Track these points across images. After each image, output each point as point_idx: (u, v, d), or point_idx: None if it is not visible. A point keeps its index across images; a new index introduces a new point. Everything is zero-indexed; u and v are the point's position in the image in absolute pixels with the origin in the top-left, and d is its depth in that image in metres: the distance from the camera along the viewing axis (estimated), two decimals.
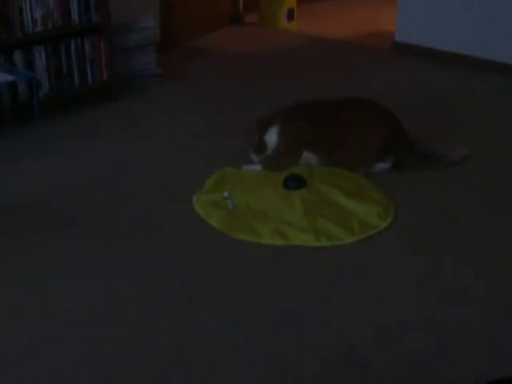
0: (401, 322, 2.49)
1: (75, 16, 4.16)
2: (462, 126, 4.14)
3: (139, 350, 2.35)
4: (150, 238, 3.02)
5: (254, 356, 2.33)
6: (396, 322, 2.50)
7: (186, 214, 3.18)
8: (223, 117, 4.22)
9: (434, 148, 3.70)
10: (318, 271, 2.81)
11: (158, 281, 2.73)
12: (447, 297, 2.64)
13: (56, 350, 2.35)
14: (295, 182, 3.31)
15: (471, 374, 2.26)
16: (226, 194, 3.24)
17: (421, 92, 4.71)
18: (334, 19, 6.59)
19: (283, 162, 3.49)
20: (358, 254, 2.91)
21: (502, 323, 2.50)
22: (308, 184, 3.32)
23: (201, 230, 3.07)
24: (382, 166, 3.51)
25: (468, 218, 3.20)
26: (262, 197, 3.26)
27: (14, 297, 2.63)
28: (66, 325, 2.47)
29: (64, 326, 2.47)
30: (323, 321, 2.51)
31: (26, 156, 3.75)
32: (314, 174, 3.43)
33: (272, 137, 3.47)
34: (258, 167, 3.52)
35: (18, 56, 3.99)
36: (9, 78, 3.82)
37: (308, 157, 3.48)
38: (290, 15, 6.37)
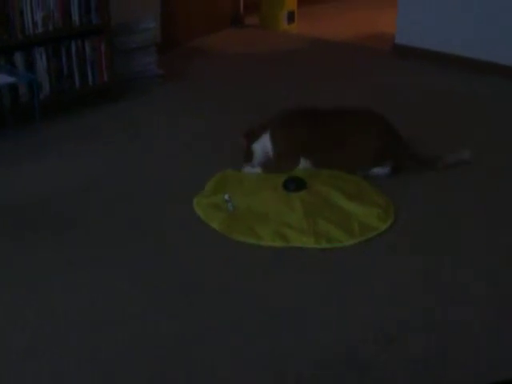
0: (401, 324, 2.50)
1: (76, 17, 4.17)
2: (462, 128, 4.14)
3: (139, 350, 2.35)
4: (150, 239, 3.02)
5: (254, 357, 2.33)
6: (396, 323, 2.50)
7: (186, 216, 3.18)
8: (223, 118, 4.22)
9: (433, 151, 3.70)
10: (318, 273, 2.81)
11: (158, 281, 2.73)
12: (447, 297, 2.64)
13: (56, 350, 2.35)
14: (295, 184, 3.32)
15: (471, 374, 2.26)
16: (226, 196, 3.24)
17: (421, 94, 4.71)
18: (334, 21, 6.60)
19: (282, 166, 3.50)
20: (358, 255, 2.91)
21: (501, 323, 2.50)
22: (308, 186, 3.32)
23: (201, 231, 3.07)
24: (380, 171, 3.51)
25: (468, 218, 3.20)
26: (262, 199, 3.26)
27: (13, 297, 2.63)
28: (66, 325, 2.47)
29: (64, 326, 2.47)
30: (323, 322, 2.51)
31: (26, 157, 3.75)
32: (314, 176, 3.43)
33: (264, 143, 3.49)
34: (258, 170, 3.53)
35: (18, 58, 3.99)
36: (9, 79, 3.82)
37: (303, 163, 3.50)
38: (291, 17, 6.38)
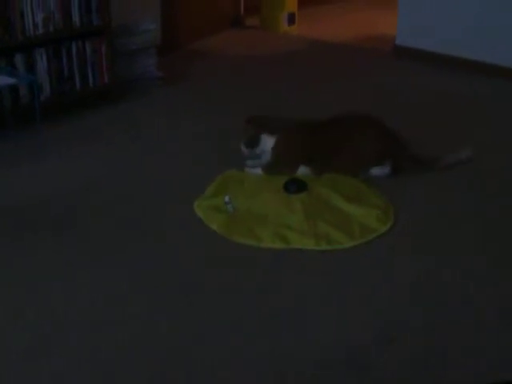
0: (401, 324, 2.49)
1: (76, 19, 4.17)
2: (462, 129, 4.14)
3: (139, 350, 2.35)
4: (150, 239, 3.02)
5: (254, 357, 2.33)
6: (396, 324, 2.50)
7: (186, 216, 3.18)
8: (224, 119, 4.22)
9: (433, 151, 3.70)
10: (318, 274, 2.81)
11: (158, 281, 2.73)
12: (447, 298, 2.64)
13: (56, 350, 2.35)
14: (296, 186, 3.32)
15: (471, 374, 2.26)
16: (227, 198, 3.24)
17: (421, 95, 4.71)
18: (334, 23, 6.60)
19: (282, 169, 3.51)
20: (358, 257, 2.91)
21: (501, 323, 2.50)
22: (309, 188, 3.32)
23: (201, 232, 3.07)
24: (380, 171, 3.52)
25: (468, 219, 3.20)
26: (262, 200, 3.26)
27: (14, 297, 2.63)
28: (66, 325, 2.47)
29: (64, 326, 2.47)
30: (323, 322, 2.51)
31: (26, 159, 3.75)
32: (314, 178, 3.44)
33: (268, 143, 3.49)
34: (259, 171, 3.53)
35: (19, 59, 3.99)
36: (10, 81, 3.82)
37: (303, 170, 3.50)
38: (291, 19, 6.38)
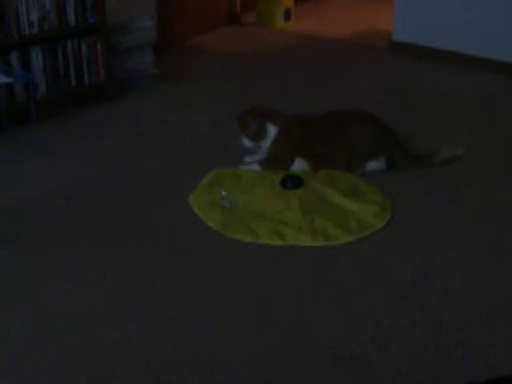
0: (399, 322, 2.50)
1: (71, 17, 4.16)
2: (457, 124, 4.14)
3: (138, 350, 2.35)
4: (148, 239, 3.02)
5: (251, 356, 2.34)
6: (394, 321, 2.50)
7: (183, 215, 3.18)
8: (220, 117, 4.21)
9: (428, 146, 3.70)
10: (316, 271, 2.81)
11: (157, 281, 2.73)
12: (446, 296, 2.64)
13: (56, 350, 2.35)
14: (293, 182, 3.32)
15: (470, 373, 2.26)
16: (223, 192, 3.24)
17: (417, 91, 4.71)
18: (330, 18, 6.59)
19: (280, 165, 3.50)
20: (356, 253, 2.92)
21: (501, 323, 2.50)
22: (305, 183, 3.33)
23: (198, 230, 3.07)
24: (376, 166, 3.52)
25: (466, 215, 3.20)
26: (259, 196, 3.26)
27: (14, 297, 2.63)
28: (66, 325, 2.47)
29: (64, 326, 2.47)
30: (321, 321, 2.52)
31: (22, 158, 3.74)
32: (311, 174, 3.44)
33: (273, 132, 3.48)
34: (255, 166, 3.53)
35: (14, 57, 3.98)
36: (5, 79, 3.81)
37: (300, 164, 3.50)
38: (287, 15, 6.37)
